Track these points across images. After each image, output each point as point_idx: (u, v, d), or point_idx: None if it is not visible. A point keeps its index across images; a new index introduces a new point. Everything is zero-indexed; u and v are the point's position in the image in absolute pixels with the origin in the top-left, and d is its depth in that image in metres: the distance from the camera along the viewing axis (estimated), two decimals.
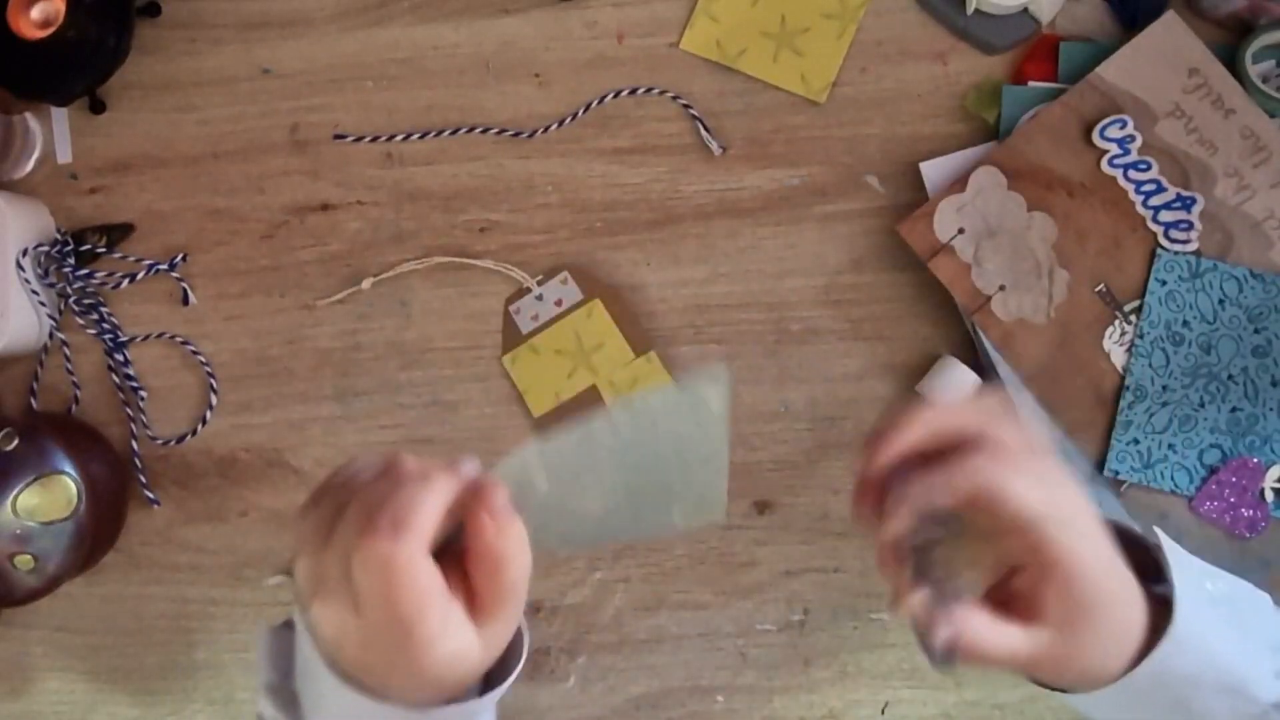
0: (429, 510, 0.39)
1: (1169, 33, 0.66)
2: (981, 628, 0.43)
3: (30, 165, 0.76)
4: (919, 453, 0.44)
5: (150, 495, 0.74)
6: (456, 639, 0.40)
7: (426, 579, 0.39)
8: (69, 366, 0.75)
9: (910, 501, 0.43)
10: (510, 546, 0.41)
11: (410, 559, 0.38)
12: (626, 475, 0.44)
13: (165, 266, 0.74)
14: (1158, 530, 0.47)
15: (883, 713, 0.70)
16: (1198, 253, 0.65)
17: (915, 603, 0.42)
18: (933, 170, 0.68)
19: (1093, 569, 0.42)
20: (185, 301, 0.74)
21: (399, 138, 0.73)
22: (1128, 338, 0.65)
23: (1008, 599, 0.44)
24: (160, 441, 0.74)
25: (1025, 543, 0.42)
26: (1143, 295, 0.65)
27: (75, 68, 0.70)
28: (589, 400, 0.71)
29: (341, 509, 0.40)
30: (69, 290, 0.74)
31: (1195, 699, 0.45)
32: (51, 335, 0.74)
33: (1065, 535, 0.42)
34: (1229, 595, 0.46)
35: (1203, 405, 0.65)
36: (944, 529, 0.44)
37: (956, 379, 0.67)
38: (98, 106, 0.75)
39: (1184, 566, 0.46)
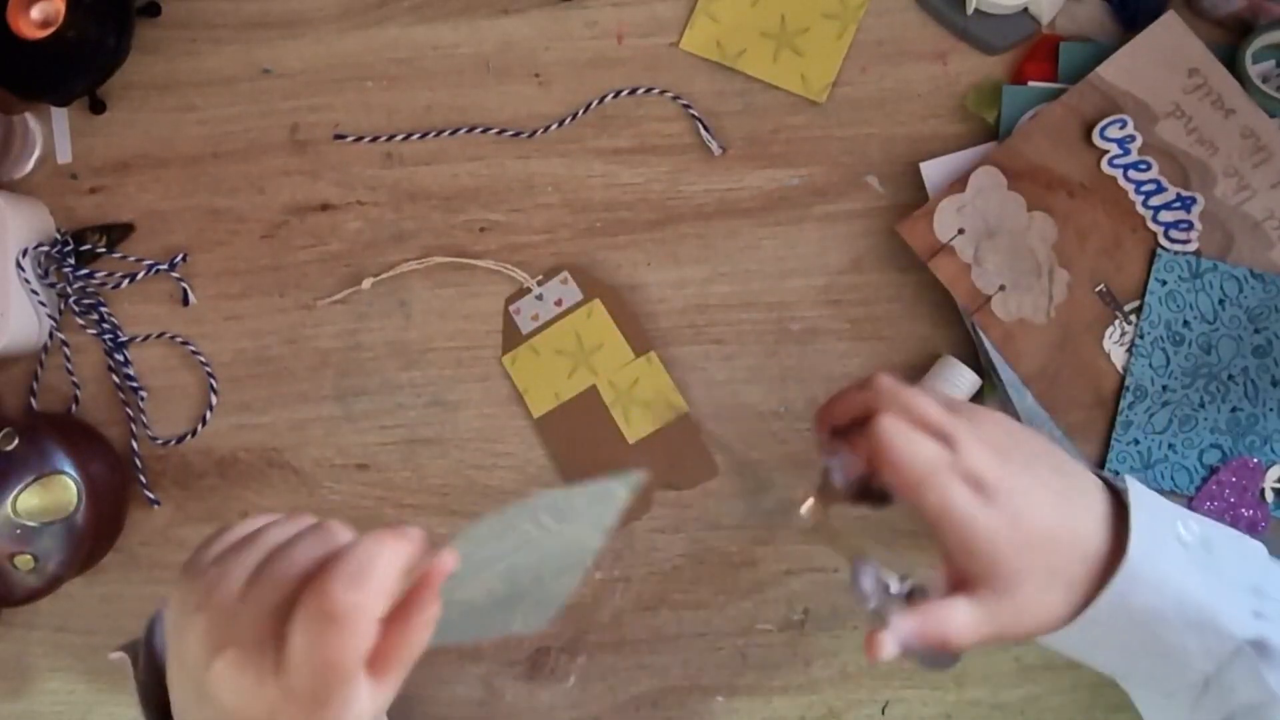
0: (390, 568, 0.37)
1: (1169, 33, 0.66)
2: (925, 624, 0.45)
3: (30, 165, 0.76)
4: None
5: (150, 495, 0.74)
6: (365, 704, 0.38)
7: (369, 640, 0.37)
8: (69, 366, 0.75)
9: (831, 476, 0.49)
10: (432, 618, 0.39)
11: (367, 616, 0.36)
12: (513, 573, 0.41)
13: (165, 266, 0.74)
14: (1127, 477, 0.48)
15: (883, 713, 0.70)
16: (1198, 253, 0.65)
17: (880, 641, 0.45)
18: (933, 170, 0.68)
19: (988, 530, 0.44)
20: (185, 301, 0.74)
21: (399, 138, 0.73)
22: (1128, 338, 0.65)
23: (953, 573, 0.46)
24: (160, 441, 0.74)
25: (922, 512, 0.45)
26: (1143, 295, 0.65)
27: (75, 68, 0.70)
28: (589, 400, 0.71)
29: (259, 565, 0.38)
30: (69, 290, 0.74)
31: (1163, 633, 0.45)
32: (51, 335, 0.74)
33: (935, 492, 0.44)
34: (1204, 538, 0.47)
35: (1203, 405, 0.65)
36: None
37: (956, 379, 0.67)
38: (98, 106, 0.75)
39: (1152, 508, 0.46)
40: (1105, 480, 0.48)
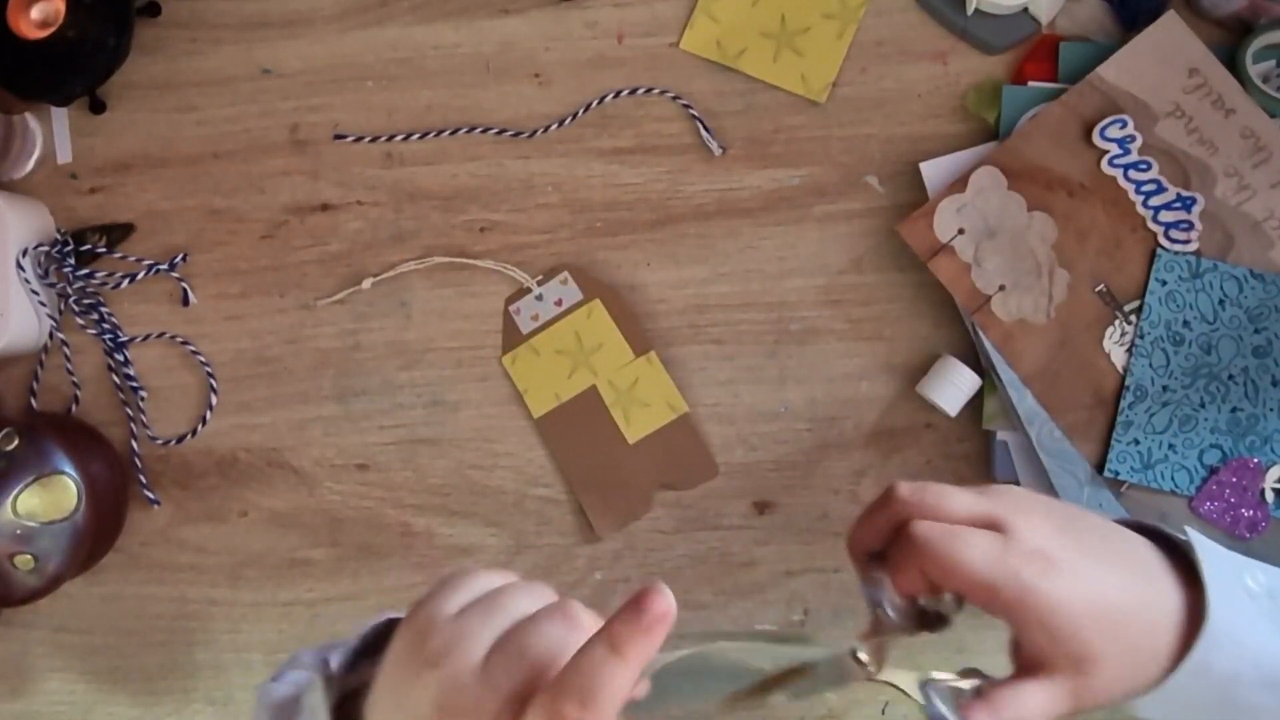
0: (621, 692, 0.36)
1: (1169, 33, 0.66)
2: (1000, 714, 0.42)
3: (30, 165, 0.76)
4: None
5: (150, 495, 0.74)
6: None
7: None
8: (69, 366, 0.75)
9: (883, 609, 0.44)
10: None
11: None
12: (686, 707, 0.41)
13: (165, 266, 0.74)
14: (1188, 530, 0.46)
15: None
16: (1198, 253, 0.65)
17: None
18: (933, 170, 0.68)
19: (1069, 606, 0.42)
20: (185, 301, 0.74)
21: (399, 138, 0.73)
22: (1128, 338, 0.65)
23: (1028, 658, 0.43)
24: (160, 441, 0.74)
25: (994, 605, 0.42)
26: (1143, 295, 0.65)
27: (75, 68, 0.70)
28: (589, 400, 0.71)
29: (500, 639, 0.38)
30: (69, 290, 0.74)
31: (1240, 693, 0.44)
32: (51, 335, 0.74)
33: (1008, 582, 0.41)
34: (1269, 588, 0.45)
35: (1203, 405, 0.65)
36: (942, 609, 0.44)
37: (956, 379, 0.67)
38: (98, 106, 0.75)
39: (1219, 562, 0.44)
40: (1154, 530, 0.46)
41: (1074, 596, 0.42)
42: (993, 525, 0.43)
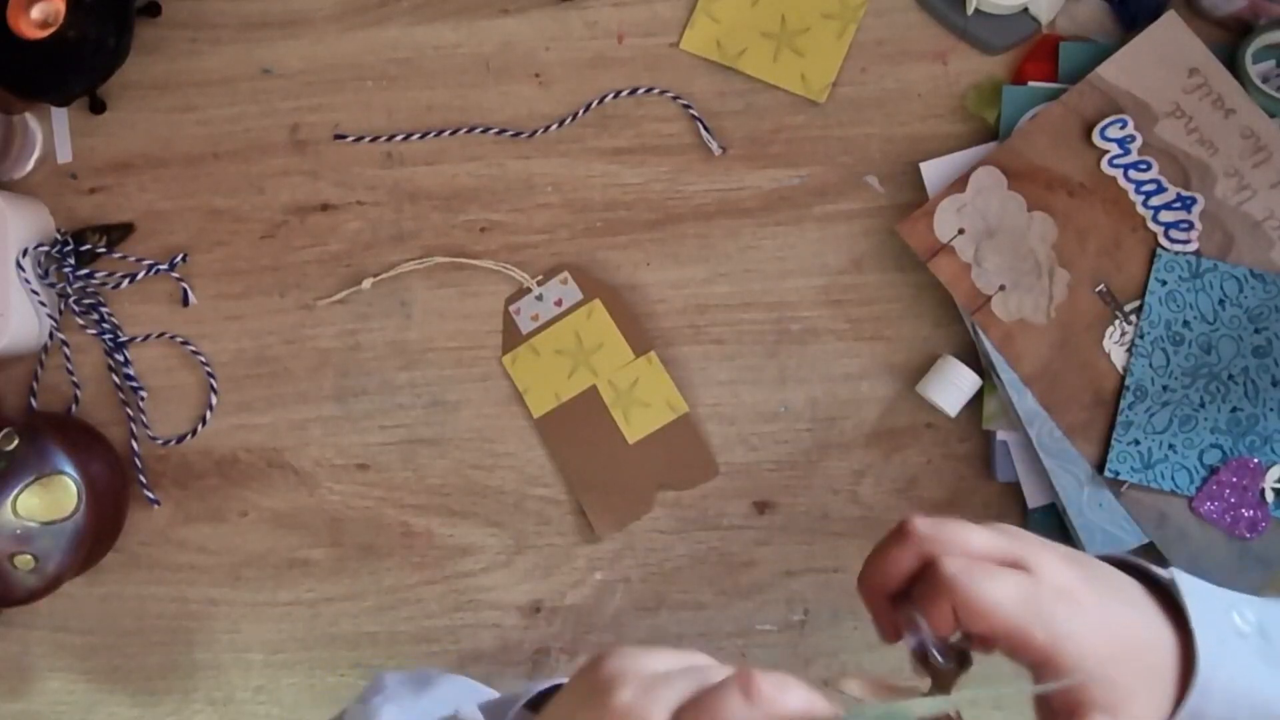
0: None
1: (1169, 33, 0.66)
2: None
3: (30, 165, 0.76)
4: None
5: (150, 495, 0.74)
6: None
7: None
8: (69, 366, 0.75)
9: (933, 655, 0.43)
10: None
11: None
12: None
13: (165, 266, 0.74)
14: (1174, 571, 0.45)
15: None
16: (1198, 253, 0.65)
17: None
18: (933, 170, 0.68)
19: (1100, 647, 0.41)
20: (185, 301, 0.74)
21: (399, 138, 0.73)
22: (1128, 338, 0.65)
23: (1060, 705, 0.43)
24: (160, 441, 0.74)
25: (1026, 648, 0.41)
26: (1143, 295, 0.65)
27: (75, 68, 0.70)
28: (589, 400, 0.71)
29: (688, 705, 0.37)
30: (69, 290, 0.74)
31: None
32: (51, 335, 0.74)
33: (1039, 623, 0.41)
34: (1260, 625, 0.45)
35: (1203, 405, 0.65)
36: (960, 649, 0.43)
37: (956, 379, 0.67)
38: (98, 106, 0.75)
39: (1206, 603, 0.44)
40: (1138, 567, 0.46)
41: (1102, 635, 0.41)
42: (1014, 563, 0.42)
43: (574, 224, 0.72)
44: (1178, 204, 0.65)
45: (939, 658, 0.42)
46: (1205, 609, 0.44)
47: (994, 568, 0.42)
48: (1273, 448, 0.64)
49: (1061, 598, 0.41)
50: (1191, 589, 0.44)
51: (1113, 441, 0.65)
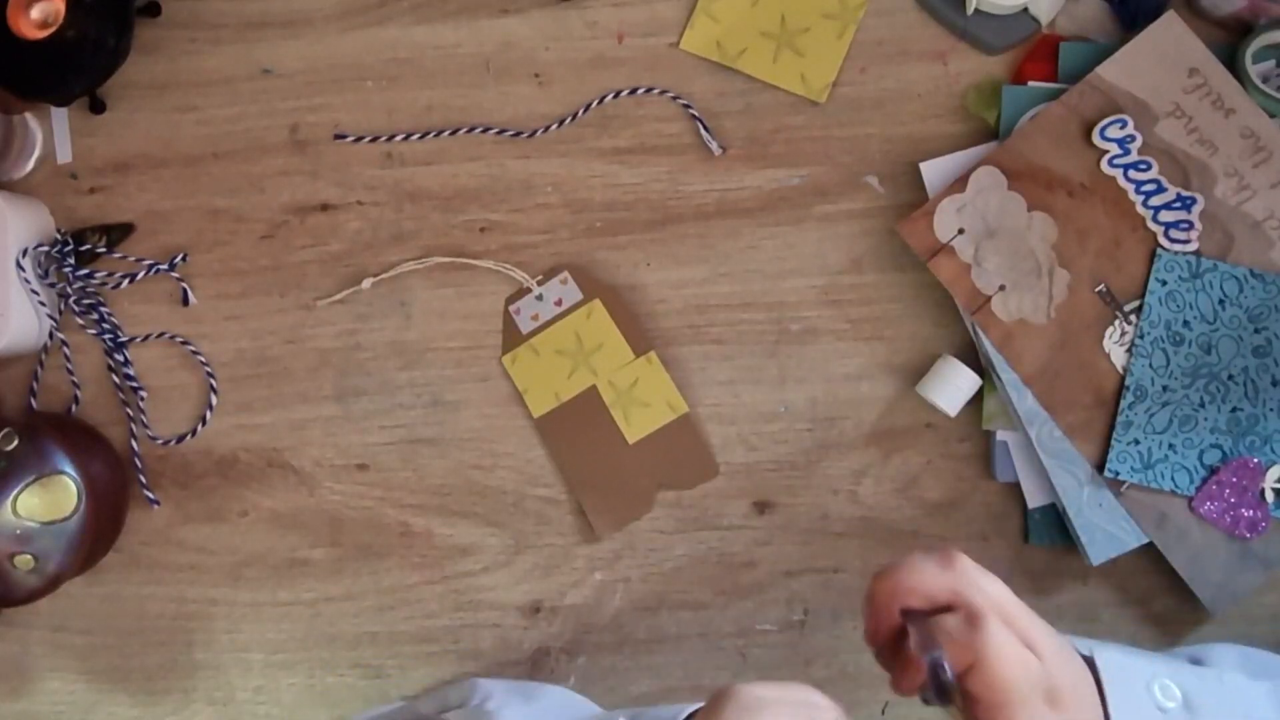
0: None
1: (1169, 33, 0.66)
2: None
3: (30, 165, 0.76)
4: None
5: (150, 495, 0.74)
6: None
7: None
8: (69, 366, 0.75)
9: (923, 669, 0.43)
10: None
11: None
12: None
13: (165, 266, 0.74)
14: (1095, 648, 0.45)
15: (883, 713, 0.70)
16: (1198, 253, 0.65)
17: None
18: (933, 170, 0.68)
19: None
20: (185, 301, 0.74)
21: (399, 138, 0.73)
22: (1128, 338, 0.65)
23: None
24: (160, 441, 0.74)
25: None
26: (1143, 295, 0.65)
27: (75, 68, 0.70)
28: (589, 400, 0.71)
29: None
30: (69, 290, 0.74)
31: None
32: (51, 335, 0.74)
33: (1024, 715, 0.42)
34: (1184, 701, 0.45)
35: (1203, 405, 0.65)
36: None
37: (956, 379, 0.67)
38: (98, 106, 0.75)
39: (1126, 682, 0.44)
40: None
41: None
42: (1029, 645, 0.43)
43: (574, 224, 0.72)
44: (1178, 204, 0.65)
45: (950, 678, 0.43)
46: (1125, 692, 0.44)
47: (1024, 647, 0.42)
48: (1273, 448, 0.64)
49: (1055, 701, 0.42)
50: (1110, 668, 0.44)
51: (1113, 441, 0.65)
